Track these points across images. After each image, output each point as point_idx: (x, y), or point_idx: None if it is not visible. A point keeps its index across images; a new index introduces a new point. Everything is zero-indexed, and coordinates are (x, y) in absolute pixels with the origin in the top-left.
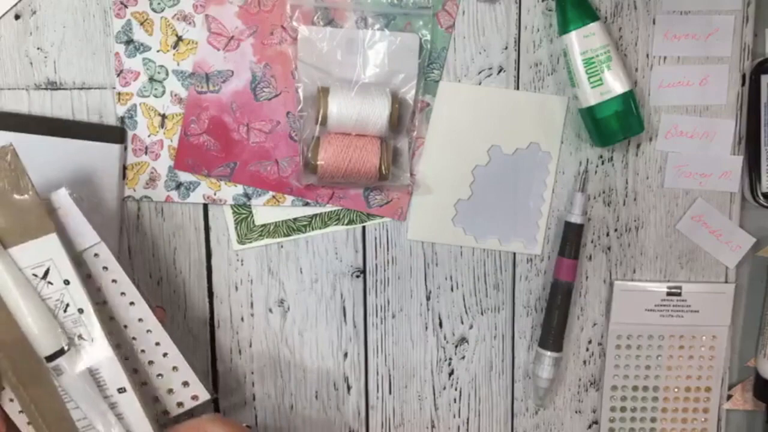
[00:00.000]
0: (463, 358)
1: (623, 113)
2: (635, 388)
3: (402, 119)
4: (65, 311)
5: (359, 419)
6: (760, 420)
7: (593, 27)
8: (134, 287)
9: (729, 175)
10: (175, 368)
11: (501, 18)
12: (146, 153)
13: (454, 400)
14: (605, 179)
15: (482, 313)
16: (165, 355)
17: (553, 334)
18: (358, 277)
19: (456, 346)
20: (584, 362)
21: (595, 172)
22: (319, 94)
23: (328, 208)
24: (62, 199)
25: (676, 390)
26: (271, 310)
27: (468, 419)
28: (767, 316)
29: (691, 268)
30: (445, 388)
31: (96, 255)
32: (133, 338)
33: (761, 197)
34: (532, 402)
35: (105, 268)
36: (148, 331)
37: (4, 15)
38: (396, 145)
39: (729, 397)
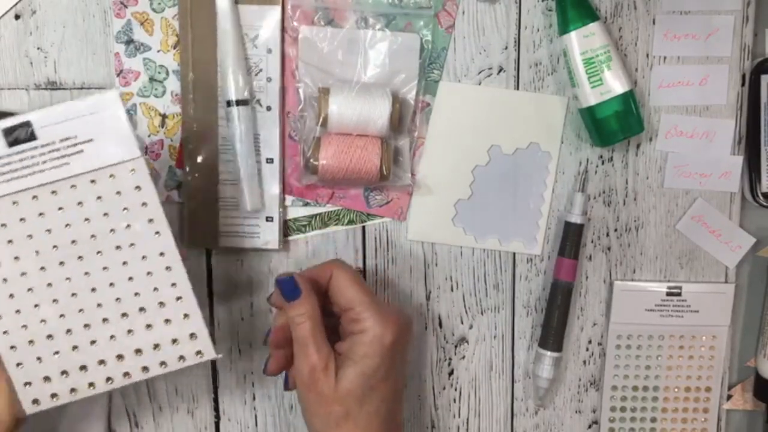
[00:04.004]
0: (463, 358)
1: (623, 113)
2: (635, 388)
3: (403, 119)
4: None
5: None
6: (760, 420)
7: (593, 27)
8: (164, 215)
9: (729, 175)
10: (186, 316)
11: (501, 18)
12: (146, 153)
13: (454, 400)
14: (605, 179)
15: (482, 313)
16: (178, 299)
17: (553, 334)
18: None
19: (456, 346)
20: (584, 362)
21: (595, 172)
22: (319, 94)
23: (328, 208)
24: (109, 101)
25: (676, 390)
26: (271, 310)
27: (468, 419)
28: (767, 316)
29: (691, 268)
30: (444, 388)
31: (132, 171)
32: (149, 273)
33: (761, 197)
34: (532, 402)
35: (138, 188)
36: (167, 268)
37: (4, 15)
38: (397, 145)
39: (729, 397)
